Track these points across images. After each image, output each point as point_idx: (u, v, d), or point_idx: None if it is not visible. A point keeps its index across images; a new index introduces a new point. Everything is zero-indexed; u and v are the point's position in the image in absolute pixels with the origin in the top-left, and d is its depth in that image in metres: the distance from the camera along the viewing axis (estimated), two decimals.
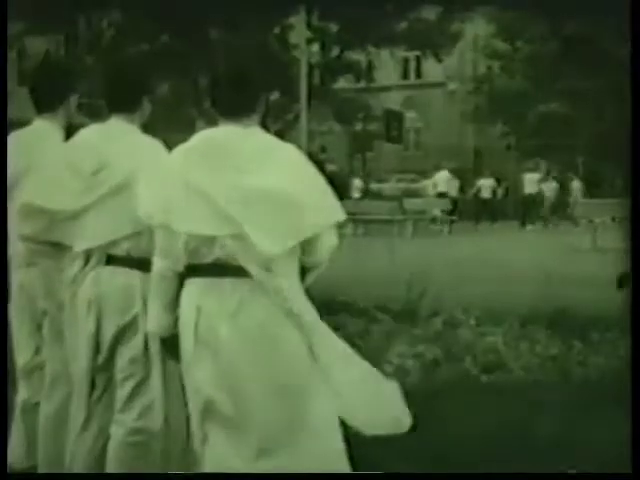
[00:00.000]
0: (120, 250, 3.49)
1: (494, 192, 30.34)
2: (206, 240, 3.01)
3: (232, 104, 3.09)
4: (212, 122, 3.16)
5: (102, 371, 3.55)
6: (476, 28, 36.46)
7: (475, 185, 30.95)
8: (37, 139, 3.82)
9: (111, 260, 3.50)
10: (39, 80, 3.98)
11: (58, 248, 3.59)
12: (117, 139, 3.52)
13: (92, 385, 3.54)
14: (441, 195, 27.45)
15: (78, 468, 3.51)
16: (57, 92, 3.89)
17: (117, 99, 3.62)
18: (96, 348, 3.51)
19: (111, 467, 3.46)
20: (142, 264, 3.42)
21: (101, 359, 3.53)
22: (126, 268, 3.48)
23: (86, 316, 3.50)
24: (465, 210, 29.28)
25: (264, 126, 3.18)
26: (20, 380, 3.86)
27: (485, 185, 30.36)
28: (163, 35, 25.37)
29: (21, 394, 3.85)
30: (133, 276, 3.48)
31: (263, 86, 3.20)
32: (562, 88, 32.42)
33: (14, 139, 3.89)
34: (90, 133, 3.66)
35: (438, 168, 30.23)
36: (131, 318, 3.47)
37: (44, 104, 3.89)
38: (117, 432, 3.48)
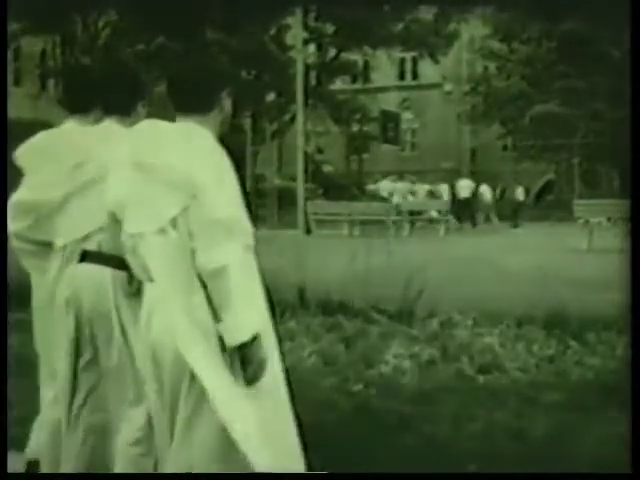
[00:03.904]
0: (93, 245, 3.47)
1: (474, 193, 30.32)
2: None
3: (185, 102, 3.08)
4: None
5: (86, 372, 3.52)
6: (472, 29, 36.52)
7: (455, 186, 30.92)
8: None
9: (86, 257, 3.48)
10: (74, 81, 3.91)
11: (49, 247, 3.59)
12: (104, 139, 3.51)
13: (75, 386, 3.52)
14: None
15: (68, 468, 3.50)
16: (90, 94, 3.81)
17: (112, 102, 3.62)
18: (77, 348, 3.49)
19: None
20: (113, 260, 3.40)
21: (84, 360, 3.51)
22: (98, 265, 3.46)
23: (65, 316, 3.48)
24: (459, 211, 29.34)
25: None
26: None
27: (463, 185, 30.37)
28: (159, 36, 25.37)
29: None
30: (105, 273, 3.46)
31: (217, 87, 3.14)
32: (558, 88, 32.48)
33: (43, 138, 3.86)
34: (81, 133, 3.67)
35: (435, 169, 30.33)
36: (106, 316, 3.45)
37: (76, 106, 3.81)
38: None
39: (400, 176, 30.48)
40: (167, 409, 2.94)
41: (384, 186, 28.50)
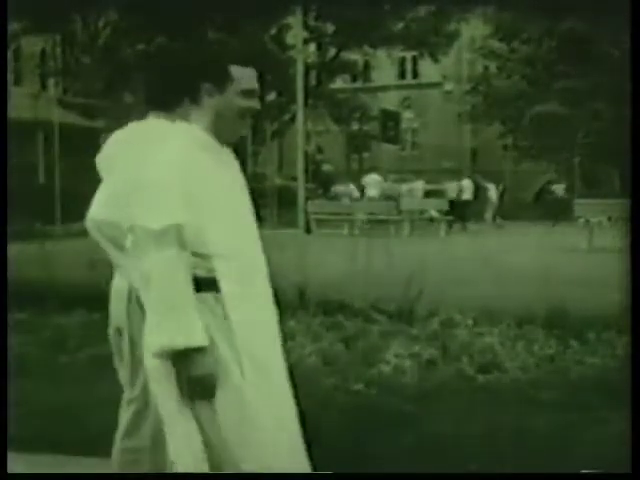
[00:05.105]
0: None
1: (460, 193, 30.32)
2: None
3: (158, 99, 3.07)
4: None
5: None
6: (473, 28, 36.52)
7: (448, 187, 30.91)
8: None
9: None
10: (160, 78, 3.79)
11: None
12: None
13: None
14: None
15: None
16: (176, 91, 3.70)
17: (157, 97, 3.54)
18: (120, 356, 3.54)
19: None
20: None
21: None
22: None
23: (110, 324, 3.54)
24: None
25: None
26: None
27: (452, 187, 30.41)
28: (160, 36, 25.37)
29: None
30: (122, 280, 3.45)
31: (189, 83, 3.09)
32: (558, 88, 32.48)
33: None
34: (122, 133, 3.62)
35: (435, 168, 30.45)
36: (121, 325, 3.44)
37: (161, 103, 3.70)
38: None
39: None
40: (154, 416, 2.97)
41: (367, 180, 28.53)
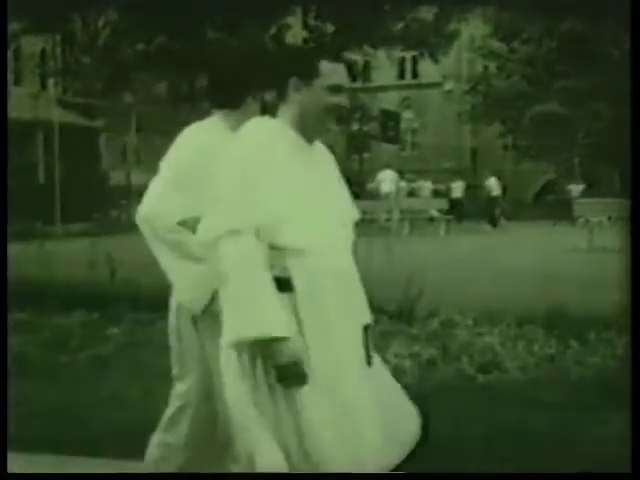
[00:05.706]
0: None
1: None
2: None
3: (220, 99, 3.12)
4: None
5: None
6: (472, 28, 36.50)
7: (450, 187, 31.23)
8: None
9: None
10: (226, 76, 3.74)
11: None
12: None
13: None
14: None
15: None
16: (239, 90, 3.59)
17: (220, 96, 3.50)
18: None
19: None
20: None
21: None
22: None
23: None
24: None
25: None
26: None
27: (456, 186, 30.74)
28: (160, 35, 25.38)
29: None
30: None
31: (250, 85, 3.16)
32: (558, 88, 32.49)
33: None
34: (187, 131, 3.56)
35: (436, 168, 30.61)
36: (171, 323, 3.49)
37: (225, 101, 3.66)
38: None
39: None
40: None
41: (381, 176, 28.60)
